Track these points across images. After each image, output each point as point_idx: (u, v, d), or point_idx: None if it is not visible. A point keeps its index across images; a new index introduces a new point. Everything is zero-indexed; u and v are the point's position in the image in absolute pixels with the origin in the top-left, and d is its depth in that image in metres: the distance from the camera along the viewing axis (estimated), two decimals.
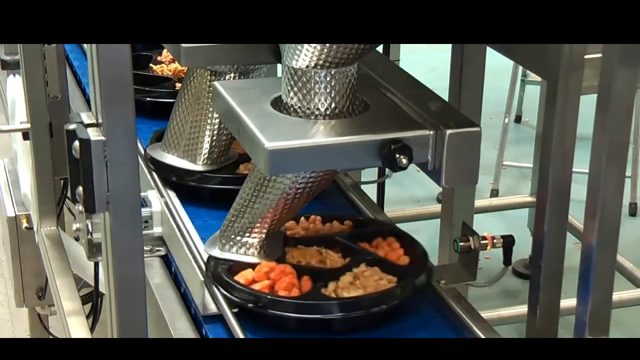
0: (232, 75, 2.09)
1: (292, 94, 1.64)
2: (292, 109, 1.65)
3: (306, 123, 1.63)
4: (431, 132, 1.57)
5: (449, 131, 1.56)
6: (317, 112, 1.63)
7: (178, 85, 2.62)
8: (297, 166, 1.62)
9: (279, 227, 1.81)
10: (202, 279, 1.75)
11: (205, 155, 2.14)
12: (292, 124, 1.62)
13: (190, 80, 2.15)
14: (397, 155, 1.54)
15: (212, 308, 1.73)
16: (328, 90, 1.62)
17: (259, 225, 1.76)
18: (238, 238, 1.79)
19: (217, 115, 2.10)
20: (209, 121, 2.12)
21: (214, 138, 2.13)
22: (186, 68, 2.35)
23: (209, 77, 2.11)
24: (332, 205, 2.12)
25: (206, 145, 2.13)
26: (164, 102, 2.48)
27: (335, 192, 2.20)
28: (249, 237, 1.78)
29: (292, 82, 1.63)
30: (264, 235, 1.77)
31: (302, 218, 1.92)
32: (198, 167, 2.14)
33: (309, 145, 1.56)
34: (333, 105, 1.64)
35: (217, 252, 1.80)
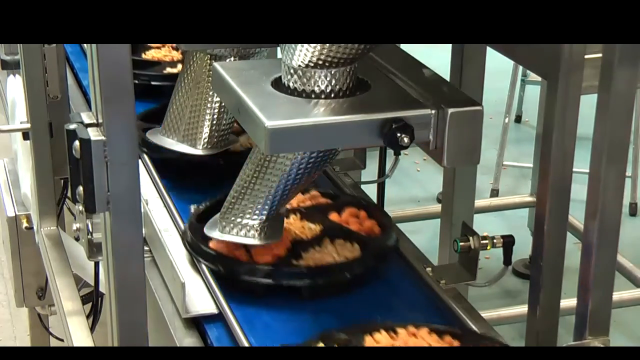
0: (232, 59, 2.08)
1: (292, 88, 1.63)
2: (292, 89, 1.65)
3: (307, 102, 1.61)
4: (433, 111, 1.56)
5: (450, 110, 1.55)
6: (317, 91, 1.62)
7: (168, 69, 2.68)
8: (297, 145, 1.60)
9: (280, 209, 1.80)
10: (183, 281, 1.74)
11: (205, 140, 2.13)
12: (292, 103, 1.61)
13: (190, 65, 2.15)
14: (399, 135, 1.53)
15: (194, 310, 1.74)
16: (329, 90, 1.62)
17: (259, 207, 1.76)
18: (238, 220, 1.78)
19: (217, 100, 2.10)
20: (209, 105, 2.11)
21: (214, 122, 2.12)
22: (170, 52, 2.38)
23: (208, 62, 2.10)
24: None
25: (206, 130, 2.12)
26: (154, 85, 2.58)
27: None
28: (249, 219, 1.77)
29: (292, 81, 1.63)
30: (264, 217, 1.76)
31: None
32: (198, 151, 2.14)
33: (310, 124, 1.55)
34: (333, 82, 1.62)
35: (217, 234, 1.80)
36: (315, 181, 2.04)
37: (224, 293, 1.74)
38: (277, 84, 1.67)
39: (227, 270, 1.78)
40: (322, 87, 1.62)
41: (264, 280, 1.74)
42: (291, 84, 1.63)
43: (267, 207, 1.76)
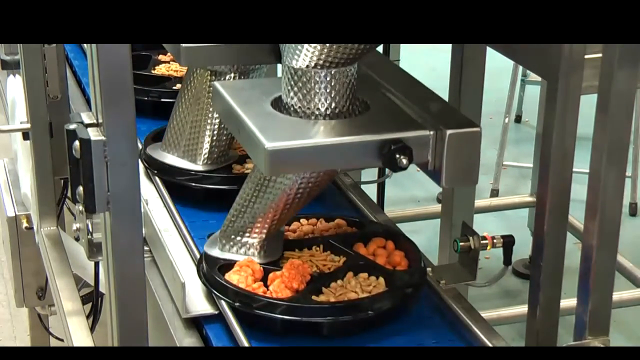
0: (232, 75, 2.09)
1: (292, 94, 1.64)
2: (292, 109, 1.65)
3: (306, 123, 1.63)
4: (431, 132, 1.57)
5: (449, 131, 1.56)
6: (317, 112, 1.63)
7: (178, 85, 2.62)
8: (297, 166, 1.62)
9: (280, 227, 1.81)
10: (183, 280, 1.74)
11: (206, 156, 2.14)
12: (292, 124, 1.62)
13: (190, 80, 2.16)
14: (397, 156, 1.54)
15: (194, 310, 1.73)
16: (328, 90, 1.63)
17: (259, 225, 1.76)
18: (238, 238, 1.79)
19: (217, 115, 2.10)
20: (209, 121, 2.12)
21: (214, 138, 2.13)
22: (186, 68, 2.36)
23: (209, 77, 2.11)
24: (332, 205, 2.12)
25: (206, 146, 2.13)
26: (164, 102, 2.48)
27: (335, 192, 2.19)
28: (249, 237, 1.78)
29: (292, 82, 1.63)
30: (264, 235, 1.78)
31: (300, 220, 1.92)
32: (198, 167, 2.14)
33: (309, 145, 1.56)
34: (333, 105, 1.64)
35: (217, 252, 1.80)
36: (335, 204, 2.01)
37: (243, 328, 1.66)
38: (277, 103, 1.67)
39: (244, 305, 1.68)
40: (322, 109, 1.63)
41: (281, 316, 1.65)
42: (291, 102, 1.63)
43: (266, 225, 1.76)
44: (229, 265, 1.77)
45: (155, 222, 1.99)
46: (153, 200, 2.11)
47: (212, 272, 1.75)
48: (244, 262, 1.75)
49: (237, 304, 1.68)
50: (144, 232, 1.99)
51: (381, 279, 1.75)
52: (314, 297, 1.69)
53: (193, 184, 2.13)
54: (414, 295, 1.74)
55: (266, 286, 1.72)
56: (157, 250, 1.94)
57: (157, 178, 2.18)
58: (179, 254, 1.89)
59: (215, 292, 1.72)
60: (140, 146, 2.27)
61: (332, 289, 1.71)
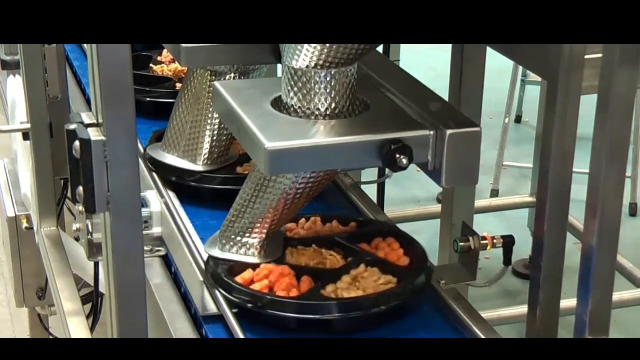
0: (232, 75, 2.09)
1: (292, 94, 1.64)
2: (292, 109, 1.65)
3: (306, 123, 1.63)
4: (431, 132, 1.57)
5: (449, 131, 1.56)
6: (317, 112, 1.64)
7: (178, 85, 2.62)
8: (297, 166, 1.62)
9: (279, 227, 1.81)
10: (202, 279, 1.75)
11: (206, 156, 2.14)
12: (292, 124, 1.62)
13: (190, 80, 2.15)
14: (397, 155, 1.54)
15: (212, 308, 1.73)
16: (328, 90, 1.63)
17: (259, 225, 1.76)
18: (238, 238, 1.79)
19: (217, 115, 2.10)
20: (209, 121, 2.12)
21: (214, 138, 2.13)
22: (186, 68, 2.36)
23: (209, 77, 2.11)
24: (332, 205, 2.12)
25: (206, 146, 2.13)
26: (164, 102, 2.48)
27: (335, 192, 2.19)
28: (249, 237, 1.78)
29: (292, 82, 1.63)
30: (264, 236, 1.77)
31: (303, 218, 1.92)
32: (198, 167, 2.14)
33: (309, 145, 1.56)
34: (333, 105, 1.64)
35: (217, 252, 1.80)
36: (335, 204, 2.01)
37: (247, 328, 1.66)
38: (277, 103, 1.67)
39: (251, 303, 1.68)
40: (322, 109, 1.63)
41: (288, 314, 1.65)
42: (291, 101, 1.63)
43: (266, 225, 1.76)
44: (238, 265, 1.77)
45: (172, 220, 1.98)
46: (153, 200, 2.11)
47: (222, 272, 1.75)
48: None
49: (249, 304, 1.67)
50: (160, 230, 1.99)
51: (390, 276, 1.74)
52: (322, 294, 1.68)
53: (193, 184, 2.13)
54: (421, 292, 1.74)
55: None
56: (174, 249, 1.93)
57: (157, 178, 2.18)
58: (192, 253, 1.89)
59: (224, 292, 1.71)
60: (142, 148, 2.27)
61: (337, 286, 1.71)
